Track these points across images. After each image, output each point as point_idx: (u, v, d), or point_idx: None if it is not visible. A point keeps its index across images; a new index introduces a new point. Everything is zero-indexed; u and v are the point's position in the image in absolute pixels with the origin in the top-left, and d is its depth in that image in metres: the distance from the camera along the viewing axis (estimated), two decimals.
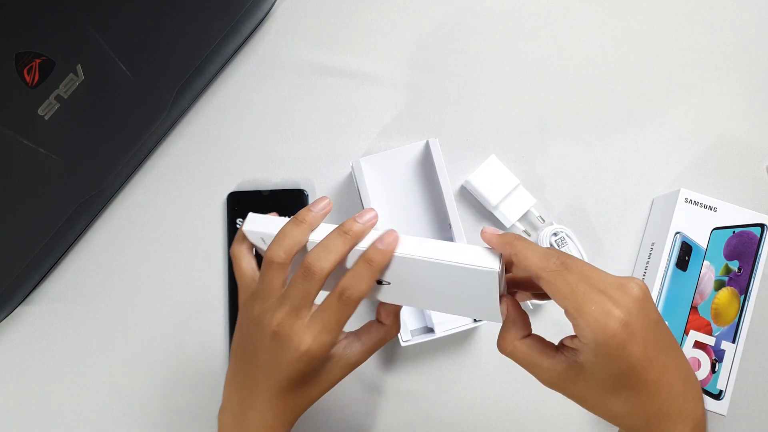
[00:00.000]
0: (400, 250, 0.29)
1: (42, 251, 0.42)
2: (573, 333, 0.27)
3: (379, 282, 0.31)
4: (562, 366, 0.27)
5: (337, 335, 0.30)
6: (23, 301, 0.46)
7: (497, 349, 0.29)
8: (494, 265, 0.28)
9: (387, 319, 0.32)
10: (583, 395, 0.27)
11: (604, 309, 0.24)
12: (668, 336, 0.26)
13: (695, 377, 0.27)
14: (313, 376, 0.30)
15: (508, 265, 0.30)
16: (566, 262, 0.26)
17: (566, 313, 0.26)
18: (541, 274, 0.26)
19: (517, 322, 0.29)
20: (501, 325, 0.29)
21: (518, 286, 0.31)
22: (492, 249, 0.28)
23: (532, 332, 0.29)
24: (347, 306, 0.28)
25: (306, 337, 0.28)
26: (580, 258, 0.47)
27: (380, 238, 0.28)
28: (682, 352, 0.27)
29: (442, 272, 0.29)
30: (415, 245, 0.29)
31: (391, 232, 0.29)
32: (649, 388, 0.25)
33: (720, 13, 0.52)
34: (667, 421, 0.26)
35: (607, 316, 0.24)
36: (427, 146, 0.44)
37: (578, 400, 0.27)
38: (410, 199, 0.46)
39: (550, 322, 0.48)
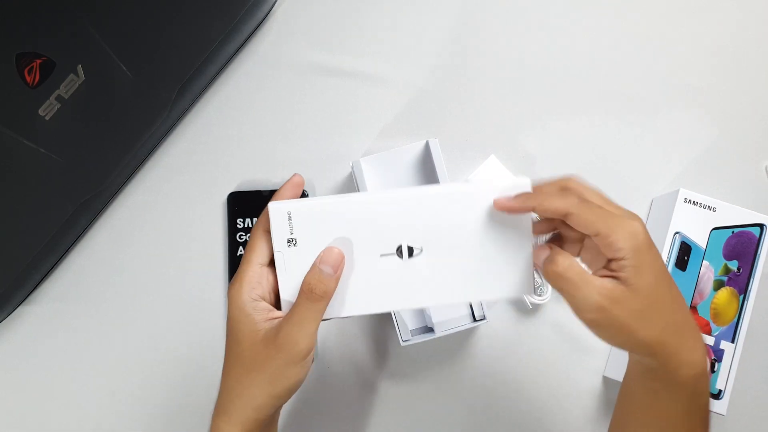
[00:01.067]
0: (425, 190, 0.30)
1: (42, 251, 0.42)
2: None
3: (411, 253, 0.31)
4: (611, 285, 0.29)
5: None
6: (24, 300, 0.46)
7: (545, 274, 0.30)
8: (526, 182, 0.30)
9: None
10: (626, 316, 0.29)
11: (630, 224, 0.29)
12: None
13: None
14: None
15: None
16: (583, 194, 0.30)
17: (598, 236, 0.29)
18: (569, 211, 0.29)
19: (563, 249, 0.30)
20: (526, 292, 0.31)
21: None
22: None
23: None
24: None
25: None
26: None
27: (323, 260, 0.30)
28: None
29: (479, 210, 0.30)
30: (453, 187, 0.30)
31: (330, 249, 0.31)
32: (675, 298, 0.29)
33: (720, 13, 0.52)
34: (690, 337, 0.30)
35: (634, 227, 0.29)
36: (427, 146, 0.44)
37: (620, 324, 0.29)
38: None
39: (550, 322, 0.48)
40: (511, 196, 0.30)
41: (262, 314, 0.31)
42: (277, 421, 0.35)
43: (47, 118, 0.39)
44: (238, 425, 0.31)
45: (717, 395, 0.45)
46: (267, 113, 0.49)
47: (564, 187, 0.30)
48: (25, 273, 0.42)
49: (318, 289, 0.30)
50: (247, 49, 0.49)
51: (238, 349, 0.31)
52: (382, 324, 0.48)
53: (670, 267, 0.46)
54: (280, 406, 0.33)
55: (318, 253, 0.31)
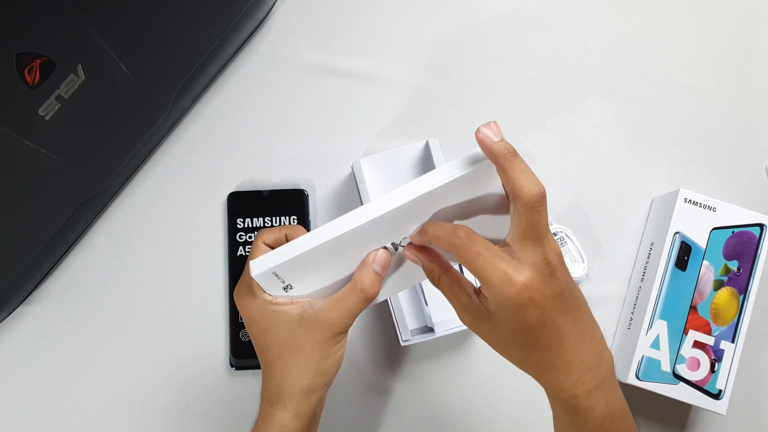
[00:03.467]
0: (401, 200, 0.29)
1: (42, 251, 0.42)
2: None
3: (396, 248, 0.32)
4: (475, 306, 0.30)
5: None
6: (24, 301, 0.46)
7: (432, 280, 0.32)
8: (482, 157, 0.29)
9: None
10: (488, 337, 0.31)
11: (505, 277, 0.27)
12: (570, 301, 0.29)
13: (594, 333, 0.30)
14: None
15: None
16: (470, 235, 0.29)
17: (473, 275, 0.29)
18: (451, 242, 0.29)
19: (438, 261, 0.31)
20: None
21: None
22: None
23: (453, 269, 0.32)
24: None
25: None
26: (580, 257, 0.48)
27: (376, 261, 0.32)
28: (585, 312, 0.30)
29: (441, 198, 0.29)
30: (410, 188, 0.29)
31: (383, 253, 0.32)
32: (541, 344, 0.29)
33: (719, 13, 0.52)
34: (554, 371, 0.29)
35: (507, 283, 0.27)
36: (427, 146, 0.44)
37: (485, 339, 0.31)
38: None
39: None
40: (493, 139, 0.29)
41: (286, 303, 0.32)
42: (322, 407, 0.37)
43: (47, 118, 0.39)
44: (292, 411, 0.33)
45: (717, 395, 0.45)
46: (267, 113, 0.49)
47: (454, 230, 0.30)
48: (24, 273, 0.42)
49: (372, 291, 0.32)
50: (247, 49, 0.49)
51: (278, 339, 0.32)
52: (382, 324, 0.48)
53: (670, 267, 0.46)
54: (327, 387, 0.34)
55: (312, 288, 0.33)
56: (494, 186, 0.30)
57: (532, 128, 0.50)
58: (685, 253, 0.46)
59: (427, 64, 0.50)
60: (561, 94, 0.51)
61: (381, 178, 0.45)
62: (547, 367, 0.29)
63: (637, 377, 0.44)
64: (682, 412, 0.48)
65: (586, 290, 0.49)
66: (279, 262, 0.31)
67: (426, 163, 0.45)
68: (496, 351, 0.31)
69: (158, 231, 0.48)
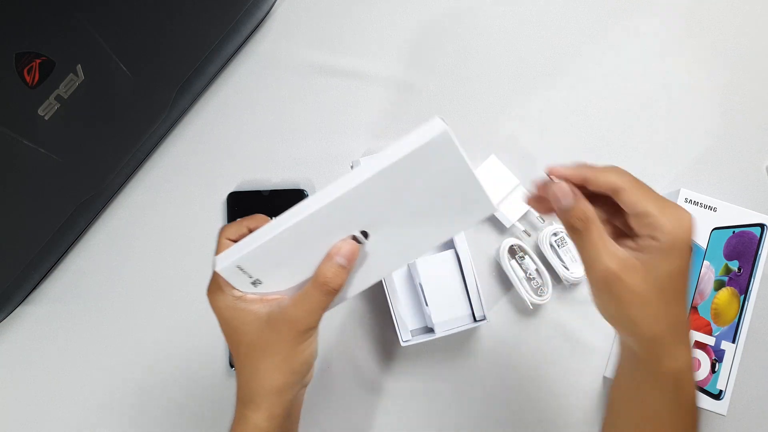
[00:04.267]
0: (351, 184, 0.28)
1: (42, 251, 0.42)
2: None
3: (366, 236, 0.30)
4: (627, 255, 0.29)
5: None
6: (23, 301, 0.46)
7: (563, 217, 0.30)
8: (440, 126, 0.26)
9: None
10: (629, 294, 0.29)
11: (683, 213, 0.29)
12: None
13: None
14: None
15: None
16: (636, 178, 0.30)
17: (646, 215, 0.29)
18: (623, 187, 0.30)
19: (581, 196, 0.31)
20: (494, 213, 0.30)
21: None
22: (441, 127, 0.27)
23: None
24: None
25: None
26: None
27: (340, 252, 0.30)
28: None
29: (402, 179, 0.27)
30: (360, 172, 0.27)
31: (347, 243, 0.30)
32: (685, 297, 0.30)
33: (719, 14, 0.52)
34: (684, 331, 0.30)
35: (685, 217, 0.29)
36: None
37: (619, 299, 0.29)
38: None
39: (551, 323, 0.48)
40: (567, 166, 0.31)
41: (255, 302, 0.31)
42: (299, 406, 0.35)
43: (47, 117, 0.39)
44: (264, 411, 0.32)
45: (718, 395, 0.45)
46: (266, 113, 0.49)
47: (621, 170, 0.31)
48: (24, 273, 0.42)
49: (333, 283, 0.30)
50: (247, 49, 0.49)
51: (247, 339, 0.32)
52: (382, 324, 0.47)
53: None
54: (301, 386, 0.33)
55: (284, 284, 0.31)
56: (452, 164, 0.27)
57: (533, 128, 0.50)
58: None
59: (427, 63, 0.50)
60: (561, 94, 0.50)
61: None
62: (682, 325, 0.30)
63: None
64: None
65: (587, 292, 0.48)
66: (240, 255, 0.30)
67: None
68: (628, 314, 0.30)
69: (158, 231, 0.47)
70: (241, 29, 0.46)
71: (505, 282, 0.48)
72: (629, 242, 0.30)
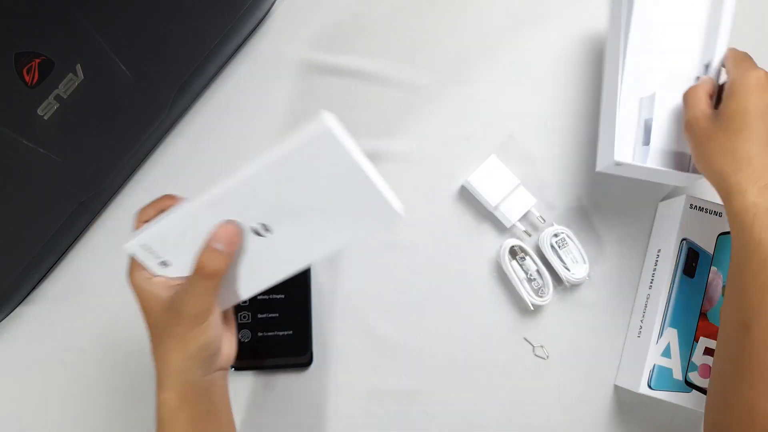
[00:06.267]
0: (238, 175, 0.28)
1: (42, 251, 0.42)
2: None
3: (266, 228, 0.29)
4: (706, 107, 0.39)
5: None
6: (23, 301, 0.46)
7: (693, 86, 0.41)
8: (322, 125, 0.25)
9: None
10: (702, 135, 0.38)
11: (749, 67, 0.38)
12: None
13: None
14: None
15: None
16: (741, 53, 0.41)
17: (727, 74, 0.39)
18: (726, 58, 0.41)
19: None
20: (397, 218, 0.28)
21: None
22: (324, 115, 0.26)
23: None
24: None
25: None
26: (581, 258, 0.47)
27: (216, 237, 0.30)
28: None
29: (288, 176, 0.27)
30: (248, 163, 0.27)
31: (225, 228, 0.30)
32: (750, 134, 0.36)
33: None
34: (753, 169, 0.35)
35: (751, 72, 0.37)
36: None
37: (696, 140, 0.38)
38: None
39: (552, 324, 0.48)
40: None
41: (161, 285, 0.32)
42: (221, 390, 0.36)
43: (46, 117, 0.39)
44: (171, 392, 0.32)
45: None
46: (266, 113, 0.49)
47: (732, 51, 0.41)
48: (24, 273, 0.42)
49: (209, 268, 0.30)
50: (247, 49, 0.49)
51: (151, 321, 0.33)
52: (382, 325, 0.47)
53: (678, 274, 0.45)
54: (206, 371, 0.33)
55: (187, 266, 0.31)
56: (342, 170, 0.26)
57: (534, 129, 0.50)
58: (692, 260, 0.45)
59: (427, 63, 0.50)
60: (562, 94, 0.50)
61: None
62: (745, 163, 0.35)
63: (650, 386, 0.43)
64: (695, 420, 0.47)
65: (588, 294, 0.48)
66: (143, 233, 0.30)
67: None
68: (702, 152, 0.38)
69: None
70: (241, 29, 0.46)
71: (505, 282, 0.48)
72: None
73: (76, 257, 0.47)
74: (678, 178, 0.43)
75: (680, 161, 0.43)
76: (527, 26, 0.51)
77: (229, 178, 0.28)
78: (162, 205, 0.33)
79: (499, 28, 0.51)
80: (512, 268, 0.46)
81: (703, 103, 0.39)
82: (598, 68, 0.50)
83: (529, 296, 0.46)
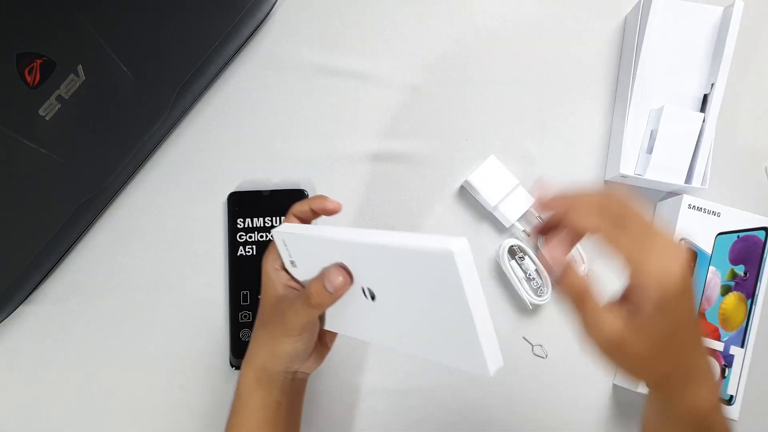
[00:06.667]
0: (358, 238, 0.29)
1: (43, 251, 0.42)
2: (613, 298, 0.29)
3: (372, 296, 0.30)
4: (621, 325, 0.28)
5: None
6: (24, 300, 0.46)
7: (557, 284, 0.29)
8: (451, 246, 0.23)
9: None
10: (632, 355, 0.28)
11: (664, 263, 0.27)
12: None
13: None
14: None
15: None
16: (621, 217, 0.28)
17: (627, 266, 0.27)
18: (599, 234, 0.28)
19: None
20: (485, 372, 0.26)
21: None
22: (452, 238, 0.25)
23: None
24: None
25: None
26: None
27: (328, 277, 0.31)
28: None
29: (396, 265, 0.27)
30: (375, 234, 0.28)
31: (338, 272, 0.31)
32: (696, 340, 0.29)
33: None
34: (701, 372, 0.29)
35: (667, 267, 0.26)
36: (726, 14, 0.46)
37: (623, 363, 0.29)
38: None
39: (552, 323, 0.48)
40: (549, 196, 0.30)
41: (282, 281, 0.36)
42: (297, 394, 0.38)
43: (47, 118, 0.39)
44: (252, 371, 0.36)
45: (729, 400, 0.45)
46: (267, 113, 0.49)
47: (603, 205, 0.28)
48: (25, 273, 0.43)
49: (314, 299, 0.32)
50: (248, 49, 0.49)
51: (262, 306, 0.37)
52: None
53: None
54: (287, 372, 0.36)
55: (307, 277, 0.34)
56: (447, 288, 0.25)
57: (533, 128, 0.50)
58: (691, 260, 0.45)
59: (427, 63, 0.50)
60: (562, 94, 0.50)
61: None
62: (693, 375, 0.28)
63: None
64: None
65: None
66: (286, 231, 0.34)
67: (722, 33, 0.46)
68: (637, 374, 0.29)
69: (158, 231, 0.48)
70: (242, 29, 0.46)
71: (504, 282, 0.48)
72: (628, 292, 0.29)
73: (77, 257, 0.47)
74: (679, 187, 0.46)
75: (680, 169, 0.45)
76: (527, 26, 0.51)
77: (362, 233, 0.29)
78: (314, 203, 0.36)
79: (499, 28, 0.51)
80: (511, 267, 0.46)
81: (605, 318, 0.28)
82: (596, 69, 0.50)
83: (528, 296, 0.46)
